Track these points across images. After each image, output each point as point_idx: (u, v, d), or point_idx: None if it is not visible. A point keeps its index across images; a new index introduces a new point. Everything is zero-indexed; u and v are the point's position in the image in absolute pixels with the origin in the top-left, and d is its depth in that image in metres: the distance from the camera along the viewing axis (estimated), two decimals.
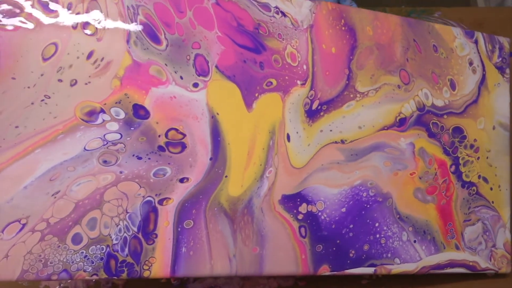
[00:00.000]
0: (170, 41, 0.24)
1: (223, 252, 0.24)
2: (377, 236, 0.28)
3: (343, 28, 0.30)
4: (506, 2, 0.74)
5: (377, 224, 0.28)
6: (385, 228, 0.28)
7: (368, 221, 0.28)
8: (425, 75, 0.32)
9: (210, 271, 0.23)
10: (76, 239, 0.21)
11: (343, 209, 0.27)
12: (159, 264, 0.22)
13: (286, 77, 0.27)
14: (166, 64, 0.24)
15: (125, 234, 0.22)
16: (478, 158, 0.34)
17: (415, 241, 0.30)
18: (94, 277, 0.21)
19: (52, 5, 0.22)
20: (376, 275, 0.33)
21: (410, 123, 0.32)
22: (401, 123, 0.31)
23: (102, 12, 0.22)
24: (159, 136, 0.24)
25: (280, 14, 0.28)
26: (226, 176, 0.25)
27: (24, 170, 0.21)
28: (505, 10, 0.45)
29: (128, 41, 0.23)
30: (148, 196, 0.23)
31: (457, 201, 0.33)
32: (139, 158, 0.23)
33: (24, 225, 0.20)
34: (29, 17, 0.22)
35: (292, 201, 0.26)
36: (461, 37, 0.35)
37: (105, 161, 0.22)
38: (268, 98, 0.27)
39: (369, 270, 0.28)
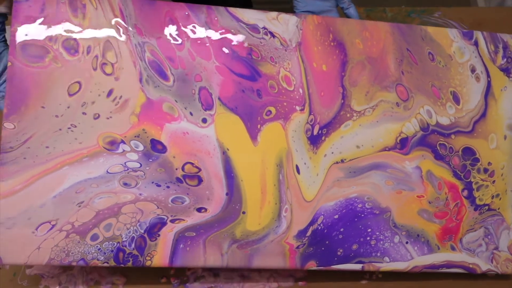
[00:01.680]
0: (176, 76, 0.33)
1: (217, 250, 0.32)
2: (368, 238, 0.35)
3: (332, 43, 0.36)
4: (506, 2, 0.85)
5: (369, 230, 0.35)
6: (377, 233, 0.35)
7: (360, 226, 0.35)
8: (424, 89, 0.38)
9: (204, 263, 0.32)
10: (94, 237, 0.31)
11: (336, 216, 0.35)
12: (159, 256, 0.32)
13: (285, 103, 0.35)
14: (176, 101, 0.33)
15: (133, 235, 0.32)
16: (494, 181, 0.39)
17: (407, 242, 0.36)
18: (105, 264, 0.31)
19: (75, 49, 0.31)
20: (376, 275, 0.39)
21: (413, 144, 0.37)
22: (402, 145, 0.37)
23: (115, 53, 0.31)
24: (176, 169, 0.32)
25: (269, 35, 0.35)
26: (243, 213, 0.34)
27: (54, 183, 0.31)
28: (505, 10, 0.51)
29: (141, 80, 0.32)
30: (163, 215, 0.32)
31: (466, 221, 0.38)
32: (158, 185, 0.32)
33: (53, 225, 0.31)
34: (56, 58, 0.31)
35: (304, 232, 0.35)
36: (458, 40, 0.39)
37: (125, 183, 0.32)
38: (270, 128, 0.35)
39: (357, 267, 0.34)
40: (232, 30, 0.34)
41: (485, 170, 0.40)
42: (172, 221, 0.33)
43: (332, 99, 0.36)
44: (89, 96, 0.32)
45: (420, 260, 0.36)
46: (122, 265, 0.31)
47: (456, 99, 0.39)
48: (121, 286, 0.37)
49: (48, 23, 0.31)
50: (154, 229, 0.32)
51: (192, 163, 0.33)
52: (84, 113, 0.32)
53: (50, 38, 0.31)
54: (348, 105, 0.36)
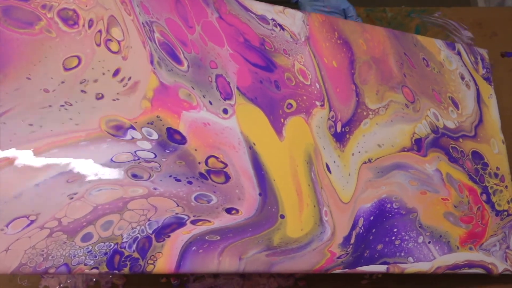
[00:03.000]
0: (190, 61, 0.38)
1: (236, 255, 0.34)
2: (393, 238, 0.43)
3: (338, 41, 0.48)
4: (506, 2, 1.07)
5: (395, 230, 0.43)
6: (403, 233, 0.44)
7: (387, 226, 0.43)
8: (427, 92, 0.51)
9: (217, 268, 0.34)
10: (86, 237, 0.30)
11: (371, 217, 0.43)
12: (164, 259, 0.32)
13: (304, 97, 0.43)
14: (193, 87, 0.37)
15: (137, 235, 0.32)
16: (506, 186, 0.53)
17: (429, 242, 0.45)
18: (94, 270, 0.29)
19: (74, 20, 0.34)
20: (376, 275, 0.47)
21: (427, 145, 0.49)
22: (418, 146, 0.49)
23: (122, 30, 0.35)
24: (199, 163, 0.36)
25: (278, 28, 0.44)
26: (282, 216, 0.38)
27: (36, 168, 0.30)
28: (505, 10, 0.66)
29: (152, 62, 0.36)
30: (183, 214, 0.34)
31: (491, 226, 0.50)
32: (178, 180, 0.34)
33: (32, 221, 0.29)
34: (49, 26, 0.34)
35: (349, 239, 0.40)
36: (444, 49, 0.56)
37: (134, 175, 0.33)
38: (294, 122, 0.41)
39: (382, 268, 0.41)
40: (242, 19, 0.42)
41: (495, 175, 0.54)
42: (194, 222, 0.34)
43: (347, 96, 0.46)
44: (90, 73, 0.34)
45: (442, 260, 0.45)
46: (116, 271, 0.30)
47: (455, 104, 0.54)
48: (121, 286, 0.40)
49: None
50: (166, 230, 0.33)
51: (216, 157, 0.36)
52: (83, 91, 0.34)
53: (43, 5, 0.34)
54: (363, 103, 0.46)
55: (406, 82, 0.51)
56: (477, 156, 0.53)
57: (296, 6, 0.60)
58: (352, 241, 0.40)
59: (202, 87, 0.38)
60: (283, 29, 0.44)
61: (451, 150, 0.51)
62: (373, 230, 0.42)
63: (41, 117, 0.32)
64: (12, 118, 0.31)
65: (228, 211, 0.36)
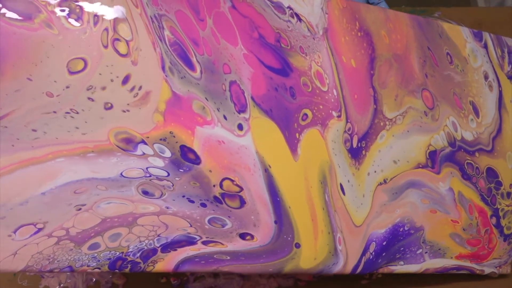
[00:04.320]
0: (202, 65, 0.45)
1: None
2: (396, 255, 0.55)
3: (359, 33, 0.56)
4: (506, 2, 1.28)
5: (402, 249, 0.55)
6: (406, 249, 0.56)
7: (396, 247, 0.55)
8: (448, 97, 0.60)
9: (215, 269, 0.44)
10: (93, 246, 0.40)
11: (384, 243, 0.54)
12: (164, 262, 0.43)
13: (321, 106, 0.51)
14: (206, 99, 0.44)
15: (144, 247, 0.42)
16: None
17: (426, 253, 0.57)
18: (96, 270, 0.39)
19: (77, 15, 0.40)
20: (376, 276, 0.60)
21: (441, 159, 0.59)
22: (432, 160, 0.58)
23: (130, 27, 0.42)
24: (214, 186, 0.44)
25: (295, 18, 0.51)
26: (297, 246, 0.48)
27: (42, 176, 0.38)
28: (505, 10, 0.81)
29: (163, 68, 0.43)
30: (196, 235, 0.43)
31: (497, 251, 0.62)
32: (191, 201, 0.43)
33: (40, 229, 0.38)
34: (50, 20, 0.39)
35: (356, 268, 0.51)
36: (471, 41, 0.63)
37: (145, 192, 0.41)
38: (309, 137, 0.50)
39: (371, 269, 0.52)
40: (257, 8, 0.49)
41: (508, 195, 0.65)
42: (206, 242, 0.44)
43: (365, 104, 0.54)
44: (98, 79, 0.40)
45: (431, 262, 0.57)
46: (117, 270, 0.41)
47: (476, 111, 0.63)
48: (121, 286, 0.51)
49: None
50: (174, 245, 0.42)
51: (232, 180, 0.45)
52: (90, 99, 0.40)
53: None
54: (381, 111, 0.55)
55: (427, 84, 0.60)
56: (491, 174, 0.63)
57: None
58: (360, 269, 0.51)
59: (216, 98, 0.45)
60: (300, 20, 0.51)
61: (466, 167, 0.61)
62: (383, 254, 0.54)
63: (45, 123, 0.39)
64: (14, 121, 0.38)
65: (243, 236, 0.45)
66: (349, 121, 0.53)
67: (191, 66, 0.45)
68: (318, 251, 0.49)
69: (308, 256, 0.48)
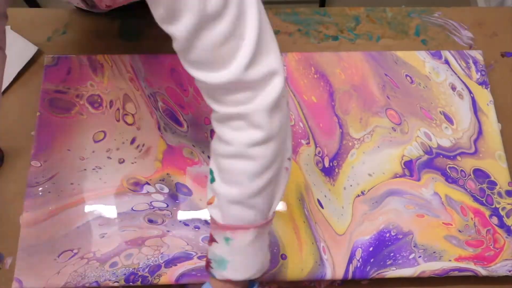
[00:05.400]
0: (188, 122, 0.61)
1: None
2: (387, 261, 0.58)
3: (315, 76, 0.66)
4: (506, 2, 1.30)
5: (391, 254, 0.58)
6: (397, 255, 0.58)
7: (385, 253, 0.58)
8: (415, 111, 0.64)
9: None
10: (113, 265, 0.56)
11: (371, 249, 0.57)
12: (168, 276, 0.56)
13: None
14: (193, 145, 0.60)
15: (151, 263, 0.55)
16: None
17: (420, 257, 0.58)
18: (116, 284, 0.55)
19: (99, 103, 0.61)
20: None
21: (419, 167, 0.62)
22: (409, 169, 0.61)
23: (134, 104, 0.61)
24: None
25: None
26: (283, 257, 0.55)
27: (77, 215, 0.58)
28: (505, 10, 0.79)
29: (159, 128, 0.60)
30: (192, 251, 0.56)
31: (507, 251, 0.59)
32: (186, 224, 0.57)
33: (75, 253, 0.56)
34: (82, 110, 0.60)
35: (346, 272, 0.56)
36: (429, 60, 0.67)
37: (150, 220, 0.57)
38: None
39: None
40: None
41: (508, 193, 0.62)
42: (200, 257, 0.56)
43: (331, 130, 0.63)
44: (113, 143, 0.59)
45: (426, 265, 0.58)
46: (131, 283, 0.54)
47: (449, 119, 0.66)
48: (121, 287, 0.59)
49: (73, 82, 0.61)
50: (175, 261, 0.55)
51: None
52: (109, 158, 0.58)
53: (77, 95, 0.60)
54: (347, 133, 0.63)
55: (391, 104, 0.65)
56: (480, 174, 0.63)
57: None
58: (350, 276, 0.57)
59: (201, 144, 0.61)
60: None
61: (448, 171, 0.63)
62: (372, 260, 0.58)
63: (79, 178, 0.58)
64: (59, 179, 0.58)
65: None
66: (318, 146, 0.63)
67: (179, 123, 0.62)
68: (304, 262, 0.57)
69: (295, 267, 0.57)
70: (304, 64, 0.68)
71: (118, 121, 0.60)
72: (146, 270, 0.56)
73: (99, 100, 0.61)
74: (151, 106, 0.62)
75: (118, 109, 0.61)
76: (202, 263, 0.56)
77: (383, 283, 0.62)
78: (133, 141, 0.61)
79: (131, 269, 0.56)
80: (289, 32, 0.75)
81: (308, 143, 0.63)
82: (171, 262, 0.56)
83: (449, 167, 0.63)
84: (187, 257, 0.57)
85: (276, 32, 0.78)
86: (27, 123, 0.62)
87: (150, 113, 0.61)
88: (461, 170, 0.63)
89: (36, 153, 0.59)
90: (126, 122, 0.61)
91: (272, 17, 0.77)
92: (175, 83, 0.64)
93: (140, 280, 0.55)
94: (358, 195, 0.61)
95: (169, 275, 0.56)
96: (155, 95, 0.62)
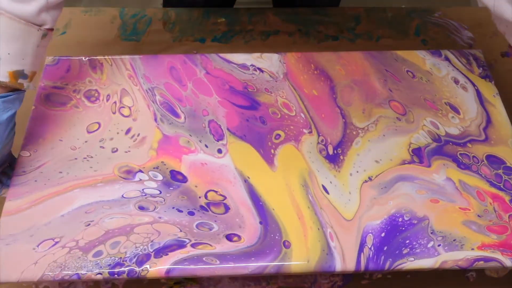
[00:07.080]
0: (186, 113, 0.60)
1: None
2: (403, 249, 0.52)
3: (315, 72, 0.66)
4: None
5: (407, 241, 0.53)
6: (414, 242, 0.53)
7: (400, 240, 0.53)
8: (419, 103, 0.64)
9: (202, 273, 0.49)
10: (97, 254, 0.49)
11: (383, 234, 0.53)
12: (157, 267, 0.50)
13: (291, 127, 0.61)
14: (190, 135, 0.58)
15: (139, 252, 0.49)
16: None
17: (439, 245, 0.53)
18: (99, 276, 0.48)
19: (95, 97, 0.60)
20: (376, 276, 0.56)
21: (428, 154, 0.60)
22: (418, 157, 0.59)
23: (131, 98, 0.60)
24: (200, 197, 0.53)
25: (258, 71, 0.65)
26: (286, 245, 0.52)
27: (63, 203, 0.52)
28: None
29: (155, 119, 0.59)
30: (185, 238, 0.51)
31: None
32: (180, 211, 0.53)
33: (56, 242, 0.50)
34: (78, 103, 0.59)
35: (358, 263, 0.52)
36: (429, 58, 0.67)
37: (141, 207, 0.53)
38: (284, 151, 0.59)
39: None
40: (225, 70, 0.64)
41: None
42: (194, 245, 0.51)
43: (334, 120, 0.62)
44: (107, 133, 0.57)
45: (448, 255, 0.53)
46: (116, 276, 0.49)
47: (455, 109, 0.65)
48: (121, 286, 0.57)
49: (72, 79, 0.61)
50: (166, 250, 0.51)
51: (215, 191, 0.55)
52: (102, 147, 0.56)
53: (74, 90, 0.59)
54: (351, 123, 0.62)
55: (393, 97, 0.65)
56: (494, 160, 0.61)
57: None
58: (362, 267, 0.52)
59: (198, 133, 0.59)
60: (262, 71, 0.65)
61: (460, 157, 0.60)
62: (385, 248, 0.53)
63: (68, 167, 0.56)
64: (47, 168, 0.56)
65: (230, 237, 0.52)
66: (320, 134, 0.61)
67: (176, 115, 0.60)
68: (310, 250, 0.52)
69: (300, 256, 0.52)
70: (304, 62, 0.68)
71: (114, 113, 0.59)
72: (134, 260, 0.51)
73: (96, 94, 0.61)
74: (149, 100, 0.61)
75: (115, 102, 0.60)
76: (196, 251, 0.52)
77: (383, 283, 0.59)
78: (128, 131, 0.59)
79: (116, 258, 0.51)
80: (289, 32, 0.76)
81: (310, 132, 0.62)
82: (161, 251, 0.52)
83: (460, 153, 0.61)
84: (179, 245, 0.52)
85: (276, 32, 0.79)
86: (24, 122, 0.62)
87: (147, 105, 0.61)
88: (473, 156, 0.61)
89: (26, 143, 0.58)
90: (122, 114, 0.60)
91: (272, 17, 0.78)
92: (174, 79, 0.64)
93: (126, 273, 0.51)
94: (366, 181, 0.58)
95: (159, 267, 0.51)
96: (153, 89, 0.62)
